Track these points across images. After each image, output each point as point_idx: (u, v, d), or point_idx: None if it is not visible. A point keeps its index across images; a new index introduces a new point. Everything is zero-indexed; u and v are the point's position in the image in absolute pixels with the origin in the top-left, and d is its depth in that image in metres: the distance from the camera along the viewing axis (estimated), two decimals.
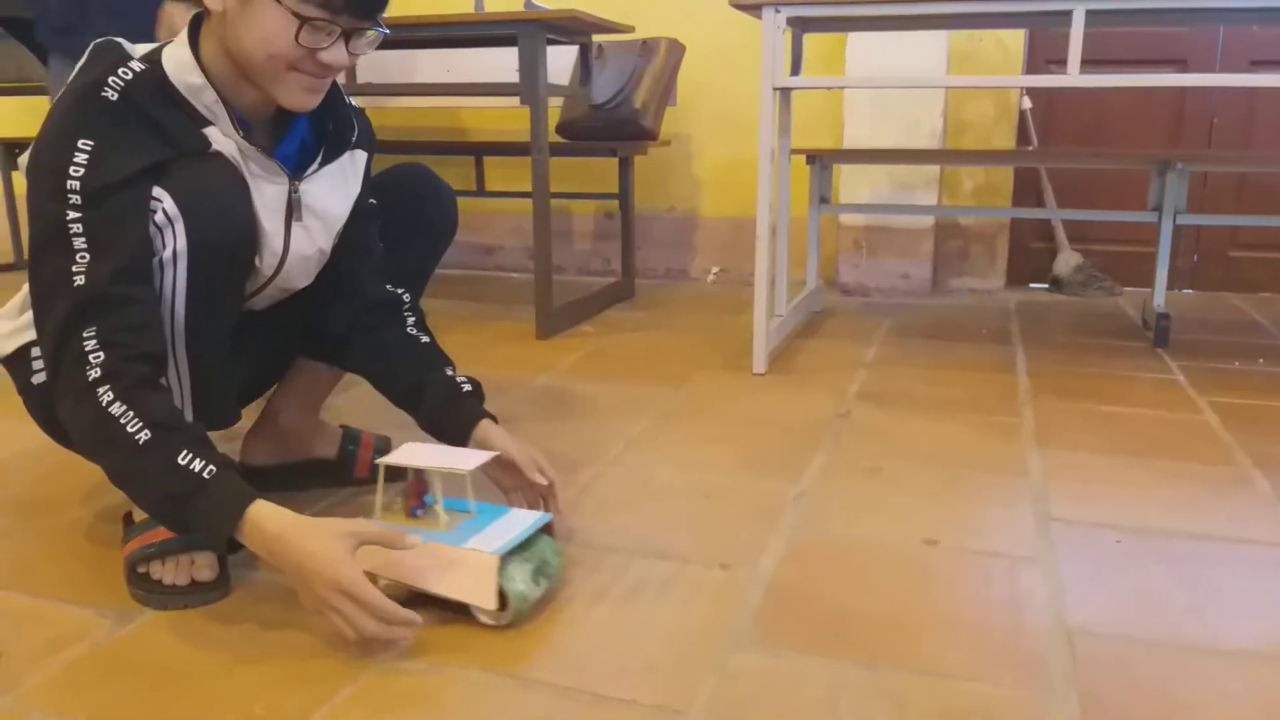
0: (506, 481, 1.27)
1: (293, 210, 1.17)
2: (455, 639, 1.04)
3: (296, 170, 1.18)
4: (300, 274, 1.24)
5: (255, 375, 1.39)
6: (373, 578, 1.03)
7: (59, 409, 1.02)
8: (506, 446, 1.24)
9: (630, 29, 2.73)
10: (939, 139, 2.97)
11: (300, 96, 1.09)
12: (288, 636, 1.04)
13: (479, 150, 3.18)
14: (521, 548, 1.08)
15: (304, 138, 1.20)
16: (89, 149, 1.01)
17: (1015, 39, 2.96)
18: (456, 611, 1.06)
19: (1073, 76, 1.91)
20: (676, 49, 2.94)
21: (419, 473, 1.12)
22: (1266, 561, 1.23)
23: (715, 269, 3.39)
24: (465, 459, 1.14)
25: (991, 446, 1.66)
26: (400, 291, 1.34)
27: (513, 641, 1.03)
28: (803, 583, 1.17)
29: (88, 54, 1.07)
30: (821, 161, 2.70)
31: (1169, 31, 2.98)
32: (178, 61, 1.07)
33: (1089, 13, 1.85)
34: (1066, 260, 3.09)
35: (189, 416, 1.11)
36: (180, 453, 0.97)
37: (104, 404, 0.97)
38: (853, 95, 3.02)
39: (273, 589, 1.14)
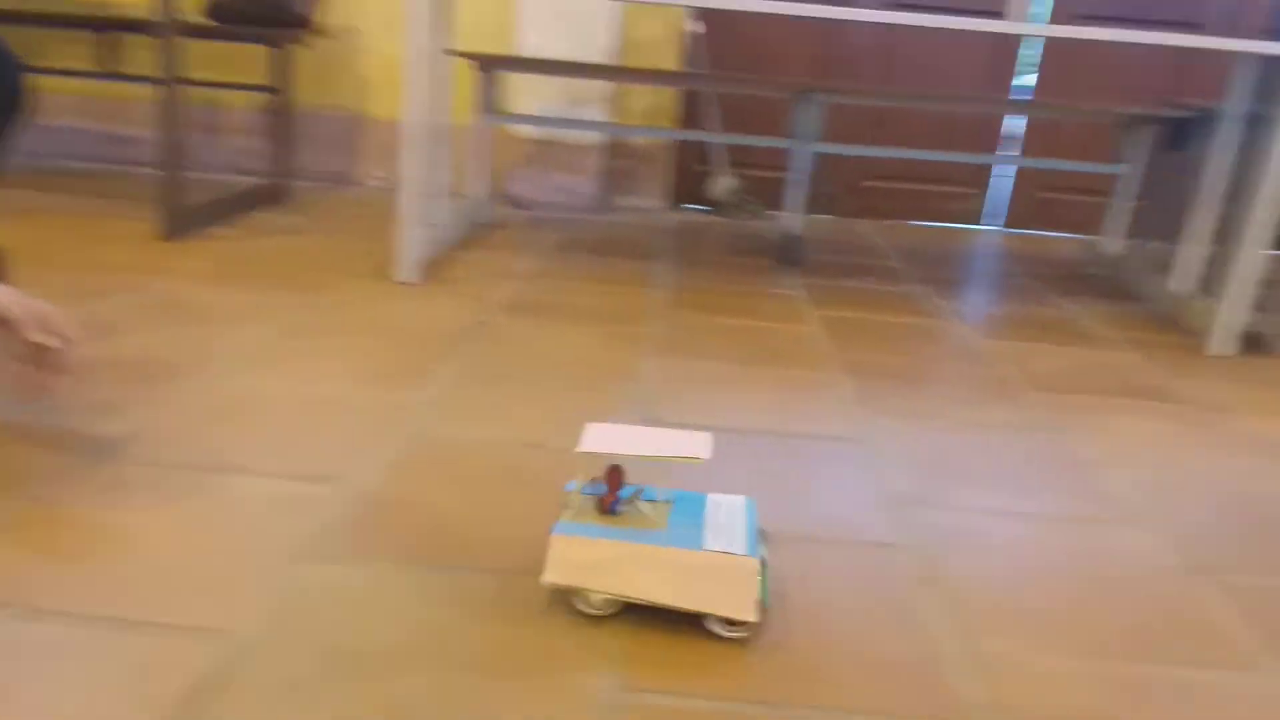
0: (15, 347, 1.08)
1: None
2: None
3: None
4: None
5: None
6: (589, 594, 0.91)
7: None
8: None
9: None
10: (612, 55, 2.99)
11: None
12: None
13: (101, 25, 2.79)
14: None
15: None
16: None
17: None
18: (682, 621, 0.91)
19: None
20: None
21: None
22: (836, 454, 1.37)
23: (380, 174, 3.24)
24: (692, 444, 0.93)
25: (617, 355, 1.72)
26: None
27: (37, 569, 0.92)
28: (401, 492, 1.15)
29: None
30: (488, 68, 2.63)
31: None
32: None
33: None
34: (722, 183, 3.26)
35: None
36: None
37: None
38: (529, 1, 2.95)
39: None
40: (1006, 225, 3.44)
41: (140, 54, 2.96)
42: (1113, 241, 2.86)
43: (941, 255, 2.92)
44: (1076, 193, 3.38)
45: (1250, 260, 2.03)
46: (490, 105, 2.70)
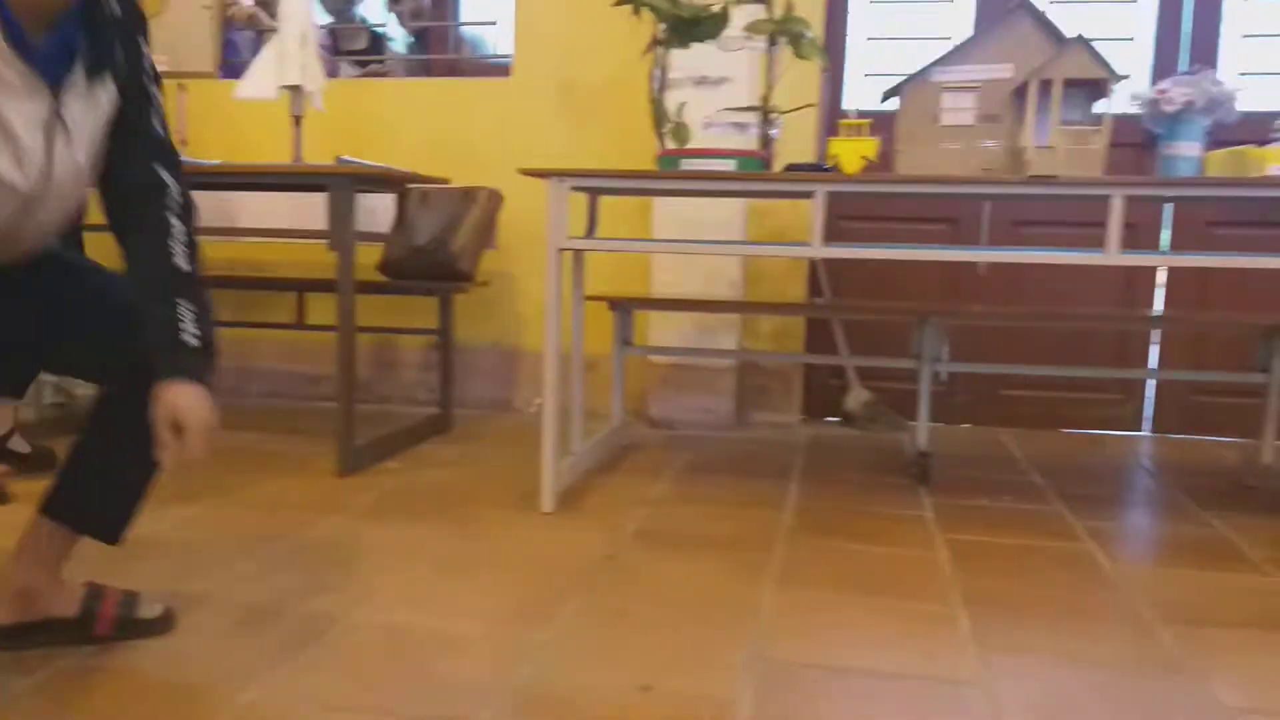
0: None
1: (53, 121, 1.20)
2: None
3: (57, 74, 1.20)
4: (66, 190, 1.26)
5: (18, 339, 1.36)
6: None
7: None
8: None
9: (445, 181, 2.90)
10: (739, 288, 3.21)
11: None
12: None
13: (300, 286, 3.25)
14: None
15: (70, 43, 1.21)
16: None
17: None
18: None
19: (849, 248, 2.15)
20: (495, 198, 3.10)
21: None
22: (945, 699, 1.37)
23: (538, 400, 3.50)
24: None
25: (737, 587, 1.79)
26: (166, 177, 1.33)
27: None
28: None
29: None
30: (619, 307, 2.88)
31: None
32: None
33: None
34: (856, 396, 3.34)
35: None
36: None
37: None
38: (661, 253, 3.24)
39: None
40: (1154, 430, 3.33)
41: (322, 303, 3.41)
42: (1269, 447, 2.74)
43: (1083, 467, 2.86)
44: (1229, 395, 3.26)
45: None
46: (626, 338, 2.94)
